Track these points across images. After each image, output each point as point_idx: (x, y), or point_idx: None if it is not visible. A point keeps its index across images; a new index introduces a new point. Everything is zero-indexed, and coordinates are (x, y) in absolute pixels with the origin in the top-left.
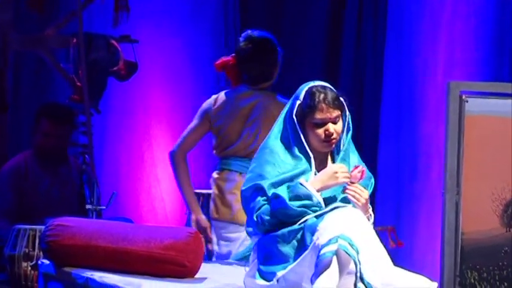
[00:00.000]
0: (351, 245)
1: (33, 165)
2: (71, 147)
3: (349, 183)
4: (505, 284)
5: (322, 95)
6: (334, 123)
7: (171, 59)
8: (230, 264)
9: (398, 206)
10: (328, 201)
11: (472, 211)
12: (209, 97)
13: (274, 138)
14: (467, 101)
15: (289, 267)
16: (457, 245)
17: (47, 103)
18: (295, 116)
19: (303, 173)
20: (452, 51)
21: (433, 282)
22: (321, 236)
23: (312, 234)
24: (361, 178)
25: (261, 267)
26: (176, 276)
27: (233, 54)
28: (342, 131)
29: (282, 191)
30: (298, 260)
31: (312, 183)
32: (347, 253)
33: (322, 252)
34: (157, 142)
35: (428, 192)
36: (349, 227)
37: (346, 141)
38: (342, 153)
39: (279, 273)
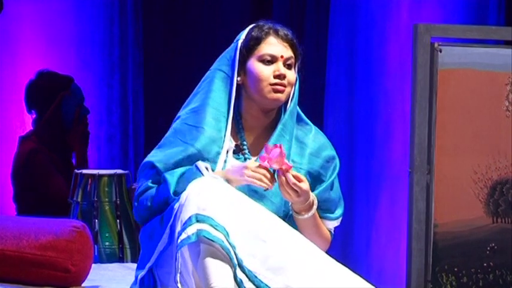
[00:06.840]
0: (214, 226)
1: None
2: None
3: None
4: None
5: (272, 28)
6: (288, 67)
7: None
8: (128, 267)
9: (351, 190)
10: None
11: (448, 196)
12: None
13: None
14: (440, 51)
15: (147, 266)
16: (429, 241)
17: None
18: (232, 60)
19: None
20: None
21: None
22: (176, 220)
23: (169, 219)
24: (282, 156)
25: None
26: (57, 284)
27: None
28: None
29: (174, 176)
30: (154, 256)
31: (216, 172)
32: (208, 238)
33: (178, 242)
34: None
35: (389, 171)
36: (209, 200)
37: (288, 111)
38: (279, 128)
39: (139, 276)
